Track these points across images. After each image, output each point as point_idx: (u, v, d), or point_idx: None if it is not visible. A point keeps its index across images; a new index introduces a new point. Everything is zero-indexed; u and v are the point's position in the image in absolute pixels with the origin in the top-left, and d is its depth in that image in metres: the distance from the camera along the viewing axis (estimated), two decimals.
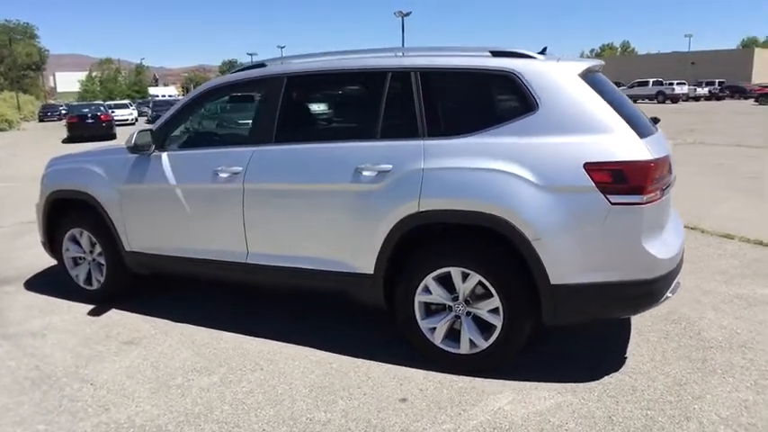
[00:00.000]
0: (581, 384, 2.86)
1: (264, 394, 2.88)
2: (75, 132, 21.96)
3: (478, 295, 2.94)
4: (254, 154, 3.37)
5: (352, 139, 3.19)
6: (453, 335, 3.02)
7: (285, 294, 4.16)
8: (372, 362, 3.14)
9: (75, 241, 4.27)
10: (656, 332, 3.43)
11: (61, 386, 3.03)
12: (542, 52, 3.17)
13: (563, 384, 2.86)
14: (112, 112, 26.70)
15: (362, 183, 3.02)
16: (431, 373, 3.01)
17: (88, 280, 4.27)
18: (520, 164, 2.72)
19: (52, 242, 4.39)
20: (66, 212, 4.28)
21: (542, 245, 2.69)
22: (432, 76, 3.04)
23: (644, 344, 3.29)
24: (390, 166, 2.96)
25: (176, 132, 3.87)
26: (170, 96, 64.90)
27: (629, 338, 3.35)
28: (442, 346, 3.03)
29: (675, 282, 2.89)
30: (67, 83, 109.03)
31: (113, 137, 22.25)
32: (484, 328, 2.95)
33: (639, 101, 37.08)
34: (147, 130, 3.70)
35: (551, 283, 2.72)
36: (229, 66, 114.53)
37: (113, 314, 4.01)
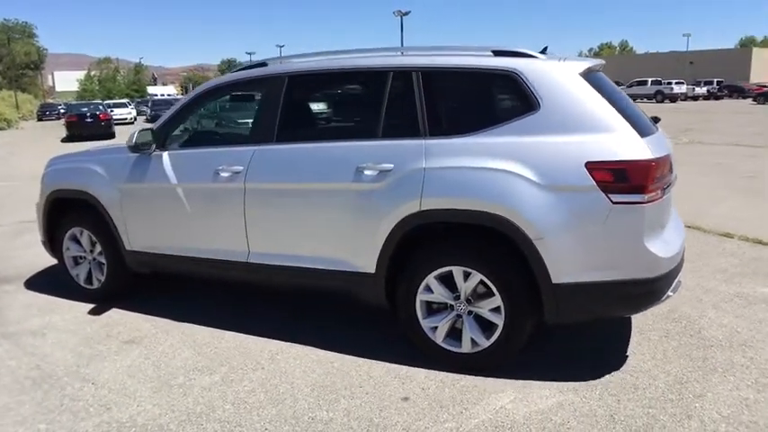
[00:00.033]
0: (582, 383, 2.87)
1: (266, 393, 2.88)
2: (73, 131, 21.92)
3: (480, 294, 2.94)
4: (256, 153, 3.37)
5: (353, 138, 3.18)
6: (455, 334, 3.03)
7: (286, 294, 4.16)
8: (374, 361, 3.14)
9: (76, 240, 4.27)
10: (657, 331, 3.44)
11: (62, 385, 3.03)
12: (543, 51, 3.17)
13: (564, 383, 2.87)
14: (111, 111, 26.66)
15: (364, 182, 3.02)
16: (432, 371, 3.01)
17: (88, 279, 4.27)
18: (522, 163, 2.72)
19: (52, 241, 4.39)
20: (66, 212, 4.28)
21: (544, 244, 2.69)
22: (433, 76, 3.04)
23: (645, 342, 3.30)
24: (392, 166, 2.96)
25: (177, 131, 3.87)
26: (168, 96, 64.82)
27: (629, 337, 3.36)
28: (443, 345, 3.03)
29: (677, 280, 2.90)
30: (66, 82, 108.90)
31: (112, 136, 22.21)
32: (485, 326, 2.95)
33: (638, 100, 37.07)
34: (147, 130, 3.70)
35: (553, 282, 2.72)
36: (228, 65, 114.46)
37: (114, 313, 4.01)
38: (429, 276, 2.97)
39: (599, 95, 2.78)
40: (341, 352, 3.26)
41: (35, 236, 4.76)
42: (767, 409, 2.63)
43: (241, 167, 3.38)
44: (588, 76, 2.88)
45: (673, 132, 15.28)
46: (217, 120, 5.06)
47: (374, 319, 3.59)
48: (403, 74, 3.08)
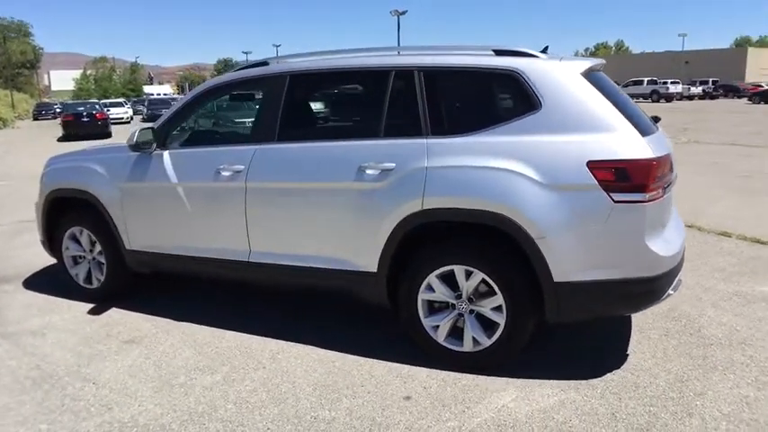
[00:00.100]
0: (583, 381, 2.88)
1: (268, 393, 2.88)
2: (70, 131, 21.86)
3: (482, 293, 2.94)
4: (257, 152, 3.37)
5: (354, 137, 3.18)
6: (456, 333, 3.03)
7: (287, 293, 4.16)
8: (375, 360, 3.15)
9: (75, 240, 4.26)
10: (657, 329, 3.45)
11: (63, 385, 3.02)
12: (544, 51, 3.18)
13: (566, 381, 2.87)
14: (108, 110, 26.55)
15: (366, 181, 3.02)
16: (434, 371, 3.01)
17: (88, 279, 4.26)
18: (523, 162, 2.73)
19: (51, 241, 4.37)
20: (65, 211, 4.26)
21: (546, 243, 2.70)
22: (435, 75, 3.05)
23: (645, 341, 3.31)
24: (394, 165, 2.97)
25: (178, 130, 3.86)
26: (165, 95, 64.62)
27: (630, 336, 3.37)
28: (445, 344, 3.04)
29: (677, 279, 2.92)
30: (62, 81, 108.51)
31: (109, 135, 22.15)
32: (487, 325, 2.96)
33: (634, 100, 37.12)
34: (148, 129, 3.69)
35: (555, 280, 2.73)
36: (224, 64, 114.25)
37: (114, 313, 4.00)
38: (431, 275, 2.97)
39: (600, 95, 2.79)
40: (342, 351, 3.26)
41: (33, 235, 4.75)
42: (767, 406, 2.64)
43: (242, 166, 3.37)
44: (589, 75, 2.89)
45: (670, 132, 15.26)
46: (218, 119, 5.06)
47: (375, 318, 3.60)
48: (405, 73, 3.08)
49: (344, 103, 3.84)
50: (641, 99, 39.99)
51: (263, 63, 3.63)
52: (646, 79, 43.09)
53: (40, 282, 4.71)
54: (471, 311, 2.97)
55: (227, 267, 3.60)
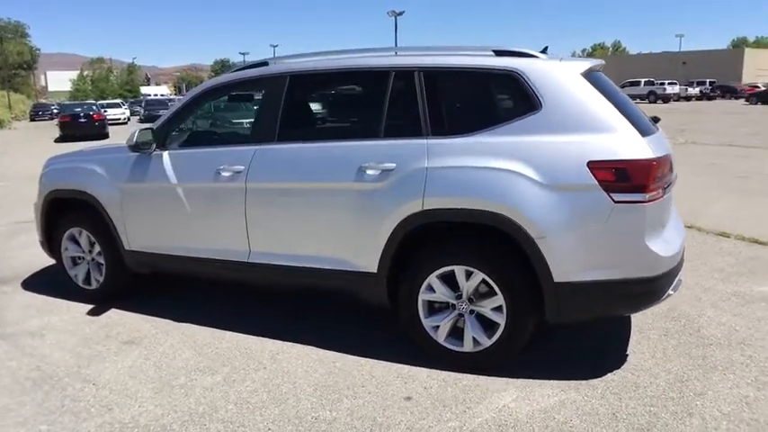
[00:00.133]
0: (584, 382, 2.88)
1: (269, 393, 2.88)
2: (67, 131, 21.80)
3: (482, 293, 2.95)
4: (257, 153, 3.36)
5: (355, 137, 3.18)
6: (457, 333, 3.03)
7: (286, 293, 4.16)
8: (376, 360, 3.15)
9: (74, 241, 4.25)
10: (657, 330, 3.46)
11: (63, 386, 3.01)
12: (544, 51, 3.19)
13: (566, 382, 2.88)
14: (105, 111, 26.50)
15: (366, 181, 3.02)
16: (434, 371, 3.02)
17: (87, 280, 4.25)
18: (524, 163, 2.74)
19: (50, 242, 4.36)
20: (64, 212, 4.25)
21: (546, 243, 2.70)
22: (435, 76, 3.05)
23: (645, 341, 3.32)
24: (394, 165, 2.97)
25: (177, 131, 3.85)
26: (162, 96, 64.50)
27: (629, 336, 3.38)
28: (445, 344, 3.04)
29: (677, 279, 2.92)
30: (59, 82, 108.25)
31: (106, 136, 22.10)
32: (487, 326, 2.96)
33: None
34: (148, 129, 3.69)
35: (555, 281, 2.74)
36: (221, 65, 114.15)
37: (113, 314, 3.99)
38: (431, 276, 2.97)
39: (600, 95, 2.79)
40: (342, 352, 3.26)
41: (31, 236, 4.74)
42: (767, 406, 2.65)
43: (242, 167, 3.37)
44: (589, 76, 2.90)
45: (668, 133, 15.25)
46: (218, 119, 5.05)
47: (375, 318, 3.60)
48: (405, 73, 3.08)
49: (344, 103, 3.84)
50: (638, 100, 40.05)
51: (263, 63, 3.63)
52: (643, 80, 43.23)
53: (39, 283, 4.69)
54: (471, 312, 2.98)
55: (226, 268, 3.59)
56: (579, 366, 3.03)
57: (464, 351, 3.00)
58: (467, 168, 2.82)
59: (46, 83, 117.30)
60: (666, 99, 41.21)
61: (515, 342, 2.92)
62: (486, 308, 2.93)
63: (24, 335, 3.69)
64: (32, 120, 42.60)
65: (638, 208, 2.66)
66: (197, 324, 3.72)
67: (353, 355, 3.22)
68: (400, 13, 44.67)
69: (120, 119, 32.24)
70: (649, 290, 2.77)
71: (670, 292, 2.86)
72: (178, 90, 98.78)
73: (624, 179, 2.64)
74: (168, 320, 3.82)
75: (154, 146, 3.71)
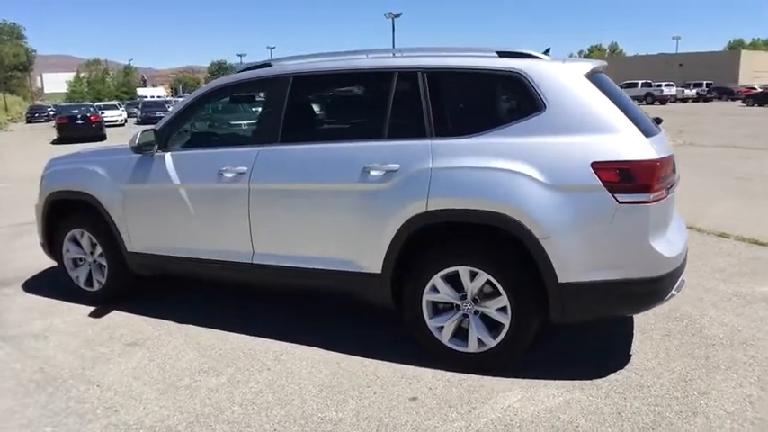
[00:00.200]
0: (588, 381, 2.89)
1: (274, 394, 2.88)
2: (64, 133, 21.74)
3: (486, 294, 2.95)
4: (260, 154, 3.37)
5: (358, 138, 3.19)
6: (461, 333, 3.04)
7: (290, 294, 4.16)
8: (380, 361, 3.15)
9: (76, 242, 4.24)
10: (659, 330, 3.47)
11: (67, 388, 3.01)
12: (546, 53, 3.20)
13: (570, 381, 2.89)
14: (102, 113, 26.44)
15: (370, 182, 3.03)
16: (439, 371, 3.02)
17: (89, 281, 4.24)
18: (528, 163, 2.75)
19: (52, 243, 4.35)
20: (66, 213, 4.25)
21: (551, 243, 2.71)
22: (439, 77, 3.06)
23: (648, 341, 3.33)
24: (398, 166, 2.97)
25: (180, 132, 3.85)
26: (159, 97, 64.41)
27: (632, 336, 3.39)
28: (449, 344, 3.04)
29: (680, 280, 2.94)
30: (55, 84, 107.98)
31: (103, 138, 22.05)
32: (492, 326, 2.97)
33: None
34: (150, 130, 3.68)
35: (559, 281, 2.74)
36: (218, 67, 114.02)
37: (115, 315, 3.98)
38: (435, 276, 2.98)
39: (604, 96, 2.81)
40: (346, 352, 3.26)
41: (32, 238, 4.73)
42: None
43: (245, 168, 3.37)
44: (592, 77, 2.91)
45: (667, 134, 15.40)
46: (220, 121, 5.04)
47: (379, 319, 3.60)
48: (408, 75, 3.09)
49: (348, 104, 3.84)
50: (635, 101, 40.02)
51: (266, 65, 3.63)
52: (640, 82, 43.38)
53: (40, 284, 4.68)
54: (476, 312, 2.98)
55: (229, 269, 3.59)
56: (583, 366, 3.03)
57: (468, 351, 3.01)
58: (471, 169, 2.83)
59: (42, 85, 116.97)
60: (663, 101, 41.36)
61: (520, 342, 2.92)
62: (490, 308, 2.93)
63: (27, 337, 3.68)
64: (29, 122, 42.47)
65: (642, 208, 2.67)
66: (200, 325, 3.72)
67: (358, 355, 3.22)
68: (397, 15, 44.77)
69: (117, 121, 32.16)
70: (653, 290, 2.78)
71: (673, 292, 2.87)
72: (175, 92, 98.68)
73: (628, 180, 2.65)
74: (171, 322, 3.81)
75: (156, 147, 3.71)
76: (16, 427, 2.68)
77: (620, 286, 2.75)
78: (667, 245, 2.81)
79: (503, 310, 2.90)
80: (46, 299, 4.32)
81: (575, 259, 2.73)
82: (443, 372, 3.01)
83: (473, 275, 2.92)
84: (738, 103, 39.41)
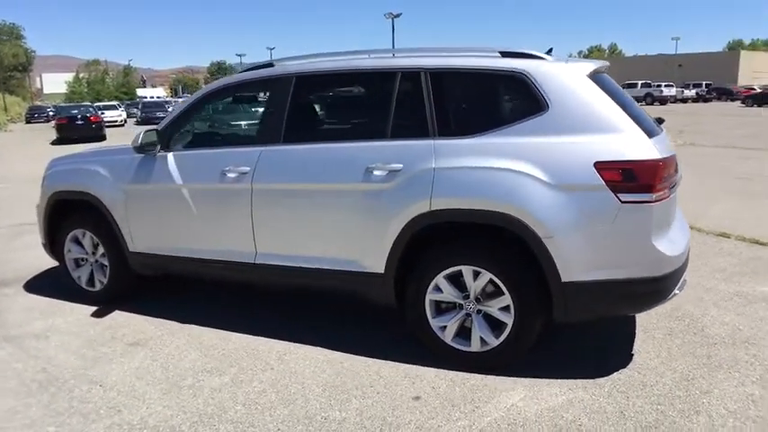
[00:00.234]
0: (591, 380, 2.90)
1: (277, 394, 2.88)
2: (64, 134, 21.70)
3: (489, 293, 2.96)
4: (263, 154, 3.37)
5: (361, 138, 3.20)
6: (464, 333, 3.04)
7: (293, 295, 4.16)
8: (383, 361, 3.15)
9: (78, 242, 4.24)
10: (661, 329, 3.48)
11: (70, 388, 3.01)
12: (549, 53, 3.21)
13: (573, 381, 2.89)
14: (102, 113, 26.40)
15: (373, 182, 3.03)
16: (442, 371, 3.02)
17: (90, 281, 4.24)
18: (531, 163, 2.75)
19: (53, 244, 4.35)
20: (67, 214, 4.25)
21: (554, 243, 2.72)
22: (442, 77, 3.06)
23: (649, 341, 3.34)
24: (401, 166, 2.98)
25: (182, 132, 3.85)
26: (159, 98, 64.39)
27: (634, 335, 3.40)
28: (452, 344, 3.05)
29: (682, 279, 2.94)
30: (54, 84, 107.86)
31: (103, 138, 22.03)
32: (494, 325, 2.97)
33: None
34: (152, 130, 3.69)
35: (562, 280, 2.75)
36: (218, 67, 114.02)
37: (117, 315, 3.98)
38: (438, 276, 2.98)
39: (607, 96, 2.81)
40: (349, 352, 3.27)
41: (33, 238, 4.73)
42: None
43: (248, 168, 3.37)
44: (595, 77, 2.92)
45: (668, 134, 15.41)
46: (222, 121, 5.04)
47: (382, 319, 3.61)
48: (411, 75, 3.09)
49: (351, 104, 3.84)
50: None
51: (269, 65, 3.63)
52: (639, 82, 43.43)
53: (41, 285, 4.68)
54: (479, 311, 2.99)
55: (232, 269, 3.59)
56: (586, 366, 3.04)
57: (471, 351, 3.01)
58: (474, 169, 2.84)
59: (41, 85, 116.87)
60: (663, 101, 41.41)
61: (523, 342, 2.93)
62: (493, 308, 2.94)
63: (29, 337, 3.68)
64: (28, 122, 42.43)
65: (645, 208, 2.68)
66: (202, 325, 3.72)
67: (361, 355, 3.22)
68: (397, 15, 44.78)
69: (116, 121, 32.13)
70: (656, 289, 2.79)
71: (676, 291, 2.88)
72: (174, 92, 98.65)
73: (631, 179, 2.66)
74: (173, 322, 3.81)
75: (158, 147, 3.71)
76: (19, 427, 2.68)
77: (623, 285, 2.75)
78: (669, 244, 2.82)
79: (506, 309, 2.91)
80: (47, 299, 4.32)
81: (578, 258, 2.74)
82: (446, 371, 3.02)
83: (476, 275, 2.93)
84: (738, 103, 39.45)
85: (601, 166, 2.67)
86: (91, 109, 25.61)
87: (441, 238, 3.04)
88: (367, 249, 3.12)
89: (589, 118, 2.77)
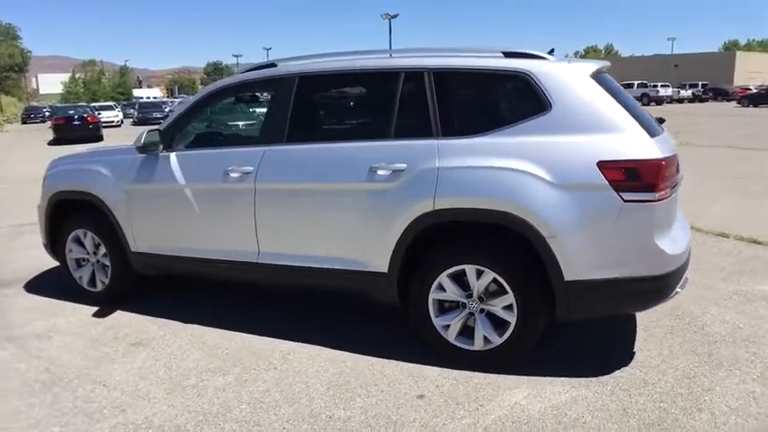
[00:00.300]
0: (593, 379, 2.91)
1: (281, 393, 2.89)
2: (61, 134, 21.66)
3: (492, 292, 2.97)
4: (266, 153, 3.38)
5: (365, 138, 3.21)
6: (467, 332, 3.06)
7: (295, 294, 4.17)
8: (386, 360, 3.16)
9: (79, 242, 4.23)
10: (662, 327, 3.50)
11: (73, 388, 3.01)
12: (550, 53, 3.22)
13: (576, 379, 2.91)
14: (98, 113, 26.33)
15: (377, 182, 3.04)
16: (445, 369, 3.04)
17: (92, 282, 4.23)
18: (534, 163, 2.77)
19: (54, 244, 4.35)
20: (69, 214, 4.24)
21: (557, 242, 2.73)
22: (445, 77, 3.07)
23: (651, 339, 3.36)
24: (405, 165, 2.99)
25: (185, 132, 3.86)
26: (155, 98, 64.24)
27: (635, 334, 3.42)
28: (455, 343, 3.06)
29: (684, 277, 2.96)
30: (50, 85, 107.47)
31: (100, 139, 21.96)
32: (498, 324, 2.99)
33: None
34: (155, 130, 3.69)
35: (565, 279, 2.77)
36: (214, 67, 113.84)
37: (119, 315, 3.98)
38: (442, 275, 3.00)
39: (609, 96, 2.84)
40: (353, 351, 3.27)
41: (32, 238, 4.72)
42: None
43: (251, 168, 3.38)
44: (597, 77, 2.94)
45: None
46: (225, 121, 5.05)
47: (384, 318, 3.62)
48: (415, 75, 3.11)
49: (354, 104, 3.85)
50: None
51: (272, 65, 3.64)
52: (636, 82, 43.52)
53: (41, 285, 4.67)
54: (482, 310, 3.00)
55: (235, 269, 3.60)
56: (588, 364, 3.06)
57: (475, 350, 3.03)
58: (478, 168, 2.85)
59: (37, 85, 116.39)
60: (659, 101, 41.53)
61: (526, 340, 2.94)
62: (496, 306, 2.95)
63: (31, 337, 3.67)
64: (24, 122, 42.31)
65: (648, 207, 2.70)
66: (205, 325, 3.73)
67: (364, 354, 3.23)
68: (394, 16, 44.85)
69: (113, 121, 32.02)
70: (658, 287, 2.81)
71: (678, 289, 2.90)
72: (171, 92, 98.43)
73: (634, 179, 2.68)
74: (176, 322, 3.81)
75: (161, 147, 3.71)
76: (24, 427, 2.68)
77: (626, 284, 2.77)
78: (671, 243, 2.84)
79: (509, 308, 2.92)
80: (48, 299, 4.32)
81: (581, 257, 2.75)
82: (450, 370, 3.03)
83: (479, 274, 2.94)
84: (734, 103, 39.58)
85: (604, 166, 2.69)
86: (88, 109, 25.53)
87: (444, 238, 3.05)
88: (370, 249, 3.13)
89: (592, 118, 2.79)
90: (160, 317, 3.90)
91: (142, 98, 64.06)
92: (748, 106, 35.31)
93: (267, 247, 3.44)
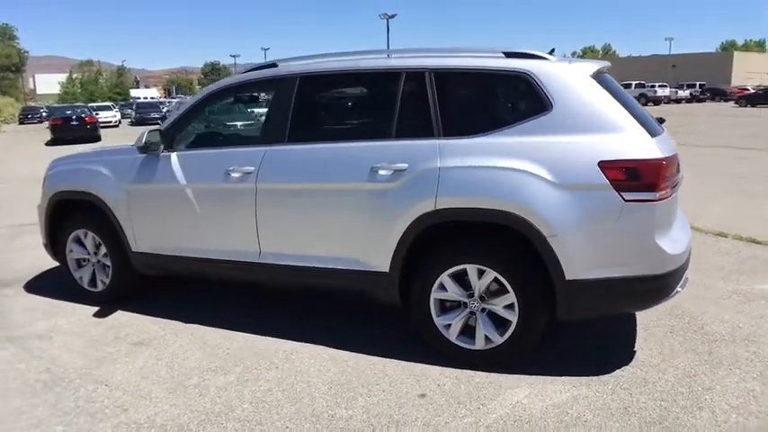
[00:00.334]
0: (594, 378, 2.92)
1: (283, 392, 2.89)
2: (58, 134, 21.60)
3: (493, 292, 2.98)
4: (267, 153, 3.38)
5: (366, 138, 3.22)
6: (468, 331, 3.07)
7: (296, 293, 4.17)
8: (388, 359, 3.17)
9: (79, 243, 4.23)
10: (662, 327, 3.52)
11: (75, 388, 3.01)
12: (551, 53, 3.23)
13: (577, 378, 2.92)
14: (96, 114, 26.28)
15: (378, 182, 3.05)
16: (447, 369, 3.05)
17: (92, 282, 4.23)
18: (536, 162, 2.78)
19: (54, 244, 4.34)
20: (69, 214, 4.24)
21: (558, 241, 2.74)
22: (446, 77, 3.09)
23: (651, 338, 3.37)
24: (406, 165, 3.00)
25: (186, 132, 3.86)
26: (152, 98, 64.18)
27: (635, 333, 3.43)
28: (457, 342, 3.07)
29: (684, 277, 2.98)
30: (47, 85, 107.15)
31: (98, 139, 21.91)
32: (499, 323, 3.00)
33: None
34: (156, 130, 3.69)
35: (566, 278, 2.78)
36: (212, 68, 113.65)
37: (120, 315, 3.98)
38: (443, 275, 3.01)
39: (610, 96, 2.85)
40: (354, 351, 3.28)
41: (32, 238, 4.72)
42: None
43: (252, 168, 3.39)
44: (598, 77, 2.95)
45: None
46: (226, 121, 5.05)
47: (385, 317, 3.63)
48: (416, 75, 3.12)
49: (355, 104, 3.86)
50: None
51: (273, 65, 3.65)
52: (634, 82, 43.64)
53: (42, 285, 4.67)
54: (483, 310, 3.01)
55: (236, 268, 3.60)
56: (588, 363, 3.07)
57: (476, 349, 3.04)
58: (479, 168, 2.86)
59: (34, 86, 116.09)
60: (657, 101, 41.65)
61: (527, 340, 2.95)
62: (497, 306, 2.96)
63: (32, 337, 3.67)
64: (21, 123, 42.15)
65: (648, 206, 2.71)
66: (206, 325, 3.73)
67: (366, 353, 3.24)
68: (392, 16, 44.87)
69: (111, 122, 31.94)
70: (658, 287, 2.82)
71: (678, 289, 2.91)
72: (168, 93, 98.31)
73: (635, 178, 2.69)
74: (176, 322, 3.82)
75: (162, 147, 3.71)
76: (27, 427, 2.68)
77: (626, 283, 2.79)
78: (672, 242, 2.85)
79: (510, 307, 2.93)
80: (48, 299, 4.31)
81: (581, 257, 2.76)
82: (451, 369, 3.04)
83: (481, 273, 2.95)
84: (731, 103, 39.71)
85: (605, 166, 2.71)
86: (86, 110, 25.48)
87: (445, 237, 3.06)
88: (372, 249, 3.13)
89: (592, 117, 2.80)
90: (161, 317, 3.90)
91: (140, 98, 63.96)
92: (746, 106, 35.41)
93: (268, 247, 3.45)
